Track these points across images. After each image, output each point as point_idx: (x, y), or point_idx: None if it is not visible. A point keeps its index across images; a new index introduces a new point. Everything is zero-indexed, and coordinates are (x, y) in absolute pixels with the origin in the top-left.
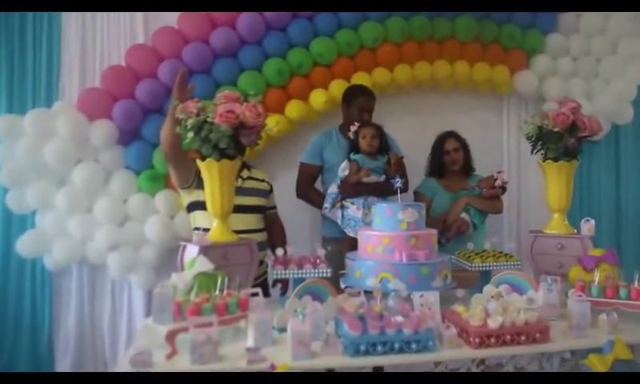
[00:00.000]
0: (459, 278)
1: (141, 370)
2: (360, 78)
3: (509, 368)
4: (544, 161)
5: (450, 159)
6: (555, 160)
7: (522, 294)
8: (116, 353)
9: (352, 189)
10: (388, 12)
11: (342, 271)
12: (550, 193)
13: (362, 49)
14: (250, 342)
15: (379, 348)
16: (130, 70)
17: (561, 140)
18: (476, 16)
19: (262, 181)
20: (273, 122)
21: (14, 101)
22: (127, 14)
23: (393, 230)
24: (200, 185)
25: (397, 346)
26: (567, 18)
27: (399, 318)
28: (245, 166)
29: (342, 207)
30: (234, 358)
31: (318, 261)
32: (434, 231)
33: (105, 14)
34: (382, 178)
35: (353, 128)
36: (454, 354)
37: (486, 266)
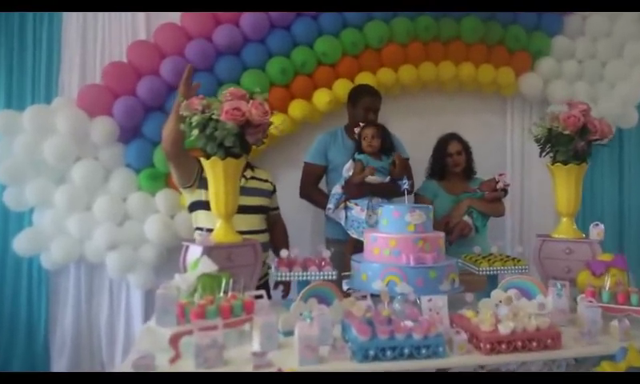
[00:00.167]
0: (465, 281)
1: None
2: (364, 78)
3: None
4: (553, 164)
5: (452, 161)
6: (565, 163)
7: (530, 299)
8: (113, 354)
9: (356, 189)
10: (393, 12)
11: (345, 273)
12: (558, 196)
13: (366, 48)
14: (255, 346)
15: (388, 353)
16: (131, 67)
17: (571, 143)
18: (481, 17)
19: (266, 181)
20: (279, 121)
21: (12, 96)
22: None
23: (400, 233)
24: (202, 184)
25: (406, 351)
26: (573, 20)
27: (409, 323)
28: (248, 165)
29: (346, 208)
30: (239, 362)
31: (323, 263)
32: (442, 234)
33: None
34: (387, 178)
35: (357, 129)
36: (463, 360)
37: (493, 270)
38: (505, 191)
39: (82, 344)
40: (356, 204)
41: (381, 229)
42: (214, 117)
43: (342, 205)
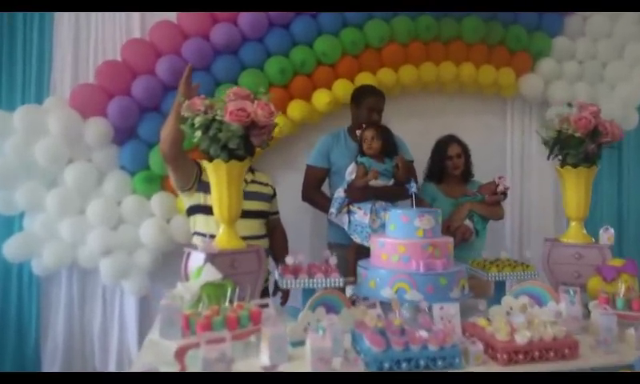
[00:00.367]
0: (470, 287)
1: None
2: (364, 79)
3: None
4: (562, 167)
5: (452, 164)
6: (574, 166)
7: (541, 306)
8: (106, 362)
9: (359, 193)
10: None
11: (349, 279)
12: (568, 200)
13: (367, 48)
14: (264, 359)
15: (404, 365)
16: (125, 66)
17: (581, 145)
18: (482, 17)
19: (266, 185)
20: (282, 122)
21: (2, 96)
22: None
23: (409, 238)
24: (201, 187)
25: (422, 362)
26: (573, 20)
27: (423, 333)
28: (249, 168)
29: (349, 212)
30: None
31: (329, 269)
32: (451, 239)
33: None
34: (391, 181)
35: (358, 132)
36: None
37: (503, 276)
38: (504, 194)
39: (75, 352)
40: (359, 208)
41: (388, 234)
42: (217, 117)
43: (345, 209)
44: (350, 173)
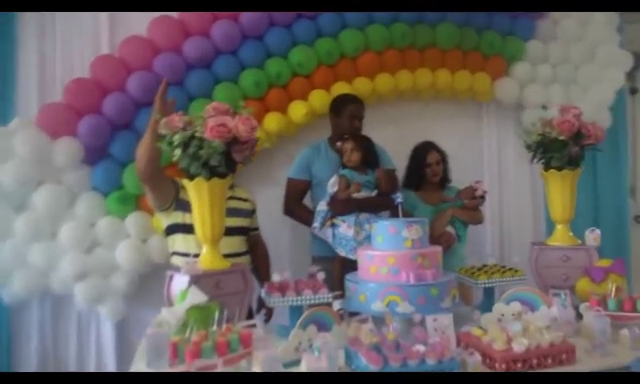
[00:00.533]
0: None
1: None
2: (341, 88)
3: None
4: (546, 170)
5: (431, 171)
6: (559, 169)
7: (533, 311)
8: None
9: (342, 205)
10: (368, 18)
11: (336, 293)
12: (553, 203)
13: (342, 58)
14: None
15: None
16: (95, 83)
17: (565, 148)
18: (456, 23)
19: (246, 200)
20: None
21: None
22: (91, 21)
23: (397, 249)
24: (179, 206)
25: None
26: (545, 24)
27: (420, 347)
28: None
29: (333, 226)
30: None
31: (317, 285)
32: (439, 248)
33: (66, 20)
34: (374, 192)
35: (339, 143)
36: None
37: (492, 283)
38: (483, 198)
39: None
40: (343, 221)
41: (376, 246)
42: (197, 134)
43: (329, 222)
44: (332, 185)
